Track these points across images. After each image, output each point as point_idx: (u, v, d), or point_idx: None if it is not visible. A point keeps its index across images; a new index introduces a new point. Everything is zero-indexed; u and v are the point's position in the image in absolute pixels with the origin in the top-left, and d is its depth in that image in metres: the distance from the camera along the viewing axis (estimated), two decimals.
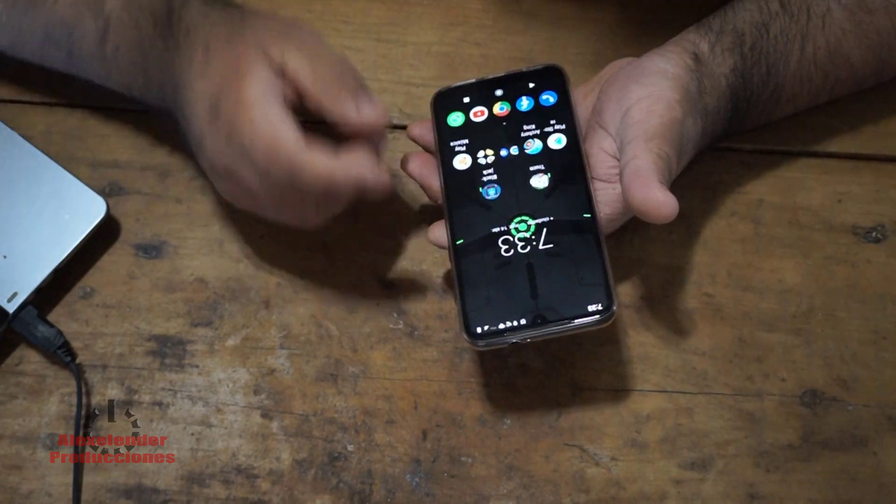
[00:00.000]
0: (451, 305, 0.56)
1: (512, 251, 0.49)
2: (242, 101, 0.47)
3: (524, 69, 0.55)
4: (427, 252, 0.57)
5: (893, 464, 0.53)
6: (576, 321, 0.47)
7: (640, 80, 0.51)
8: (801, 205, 0.59)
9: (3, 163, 0.55)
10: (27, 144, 0.56)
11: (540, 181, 0.50)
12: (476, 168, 0.52)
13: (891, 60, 0.56)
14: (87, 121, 0.58)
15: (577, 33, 0.62)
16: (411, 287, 0.56)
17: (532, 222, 0.49)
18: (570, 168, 0.50)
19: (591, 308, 0.46)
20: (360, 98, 0.48)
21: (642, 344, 0.55)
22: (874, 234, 0.58)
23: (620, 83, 0.52)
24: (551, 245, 0.48)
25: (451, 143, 0.53)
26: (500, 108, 0.53)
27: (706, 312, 0.56)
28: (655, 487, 0.53)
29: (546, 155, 0.51)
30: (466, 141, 0.52)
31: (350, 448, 0.53)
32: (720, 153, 0.59)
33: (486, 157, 0.52)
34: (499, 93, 0.54)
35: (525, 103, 0.53)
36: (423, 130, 0.54)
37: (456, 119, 0.53)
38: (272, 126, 0.46)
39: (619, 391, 0.54)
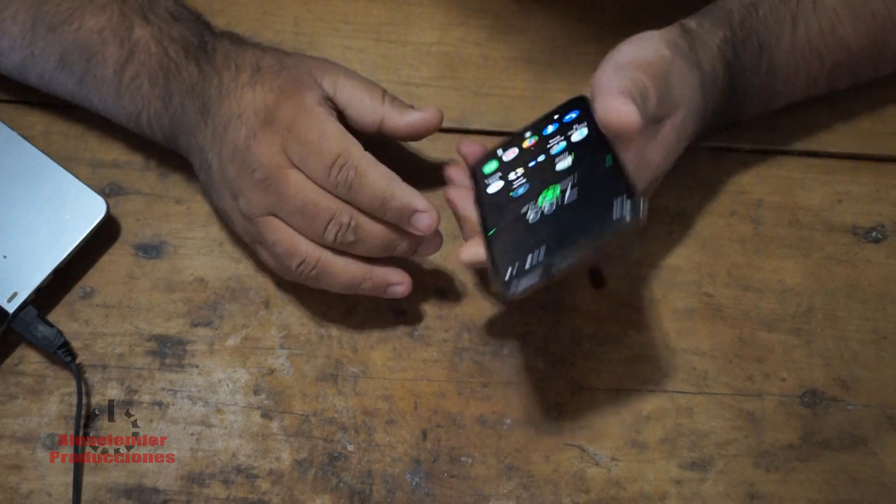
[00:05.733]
0: (451, 305, 0.56)
1: (539, 215, 0.47)
2: (304, 107, 0.50)
3: (552, 109, 0.53)
4: None
5: (893, 464, 0.53)
6: (603, 229, 0.44)
7: (629, 41, 0.51)
8: (801, 205, 0.59)
9: (3, 163, 0.55)
10: (27, 144, 0.56)
11: (564, 163, 0.49)
12: (507, 183, 0.51)
13: (887, 45, 0.56)
14: (87, 121, 0.58)
15: (578, 33, 0.62)
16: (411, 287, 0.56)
17: (557, 187, 0.48)
18: (593, 144, 0.49)
19: (616, 214, 0.43)
20: (412, 108, 0.53)
21: (642, 344, 0.55)
22: (874, 234, 0.58)
23: (613, 50, 0.52)
24: (576, 195, 0.47)
25: (486, 181, 0.52)
26: (528, 142, 0.52)
27: (706, 312, 0.56)
28: (655, 487, 0.53)
29: (569, 147, 0.50)
30: (499, 173, 0.52)
31: (350, 448, 0.53)
32: (720, 153, 0.59)
33: (516, 173, 0.51)
34: (527, 134, 0.53)
35: (550, 128, 0.52)
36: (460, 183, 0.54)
37: (490, 166, 0.53)
38: (337, 126, 0.50)
39: (619, 391, 0.55)
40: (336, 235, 0.50)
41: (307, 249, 0.50)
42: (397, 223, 0.50)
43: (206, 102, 0.51)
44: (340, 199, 0.50)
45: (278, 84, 0.51)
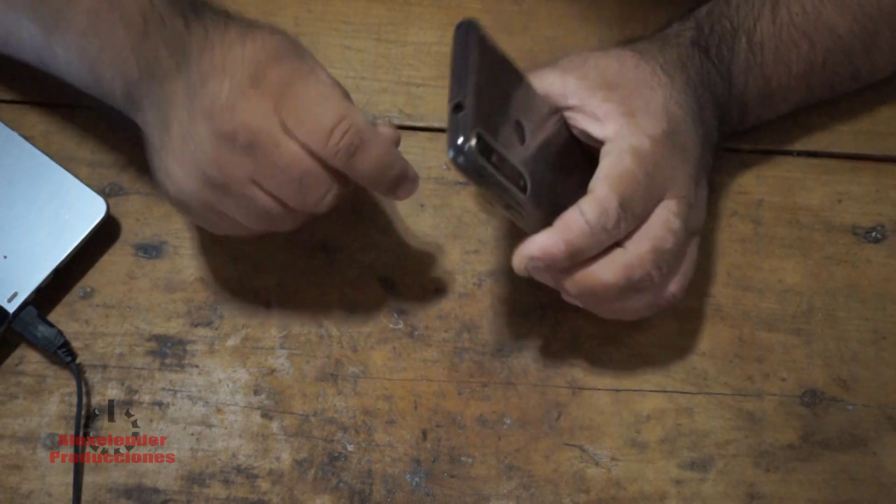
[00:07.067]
0: (451, 305, 0.56)
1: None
2: (303, 68, 0.46)
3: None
4: (428, 252, 0.57)
5: (893, 464, 0.53)
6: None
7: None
8: (801, 205, 0.59)
9: (3, 163, 0.55)
10: (27, 144, 0.56)
11: None
12: None
13: (878, 34, 0.56)
14: (87, 121, 0.58)
15: (578, 33, 0.62)
16: (411, 287, 0.56)
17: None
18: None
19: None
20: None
21: (642, 344, 0.55)
22: (874, 234, 0.58)
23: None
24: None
25: None
26: None
27: (706, 312, 0.56)
28: (655, 487, 0.53)
29: None
30: None
31: (350, 448, 0.53)
32: (720, 153, 0.59)
33: None
34: None
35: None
36: None
37: None
38: (340, 93, 0.47)
39: (619, 391, 0.55)
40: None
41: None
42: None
43: (186, 54, 0.47)
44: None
45: (273, 44, 0.46)
